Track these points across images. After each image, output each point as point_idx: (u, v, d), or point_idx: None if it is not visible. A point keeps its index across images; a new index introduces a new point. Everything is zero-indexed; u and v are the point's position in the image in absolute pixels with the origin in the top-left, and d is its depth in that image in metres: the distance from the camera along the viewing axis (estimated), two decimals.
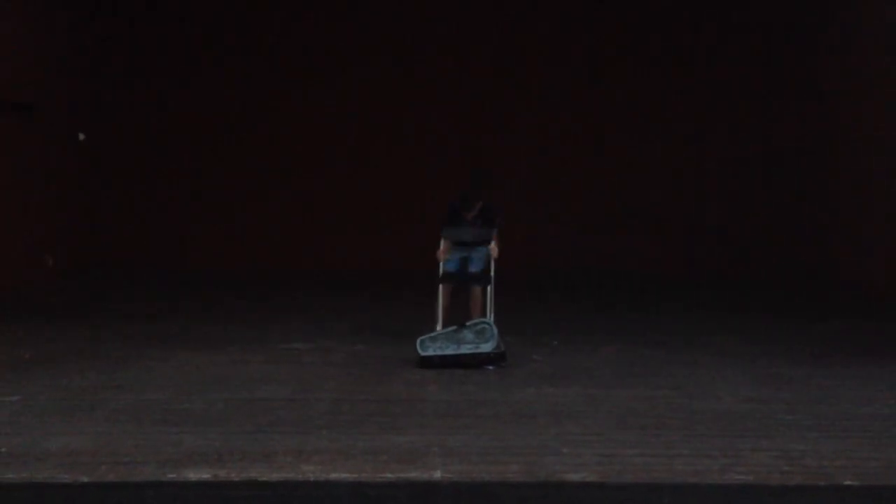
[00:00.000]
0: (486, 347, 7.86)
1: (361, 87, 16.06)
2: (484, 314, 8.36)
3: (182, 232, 15.95)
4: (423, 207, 13.74)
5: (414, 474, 5.02)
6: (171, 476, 4.98)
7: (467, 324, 8.09)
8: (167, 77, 16.05)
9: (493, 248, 8.53)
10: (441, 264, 8.62)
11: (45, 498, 4.85)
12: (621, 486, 4.93)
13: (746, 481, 4.99)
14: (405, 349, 8.23)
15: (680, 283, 14.44)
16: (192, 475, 5.00)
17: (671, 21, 16.03)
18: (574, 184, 16.00)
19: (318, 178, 16.02)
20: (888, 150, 12.58)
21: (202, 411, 6.33)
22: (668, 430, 5.91)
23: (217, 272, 14.87)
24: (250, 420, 6.09)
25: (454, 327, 8.03)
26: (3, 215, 12.59)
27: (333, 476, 4.99)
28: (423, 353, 7.84)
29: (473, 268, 8.74)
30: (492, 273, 8.47)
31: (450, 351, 7.85)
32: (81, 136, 14.99)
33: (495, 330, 7.93)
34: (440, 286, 8.51)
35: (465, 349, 7.86)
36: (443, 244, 8.69)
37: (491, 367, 7.80)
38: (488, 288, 8.44)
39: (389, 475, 5.01)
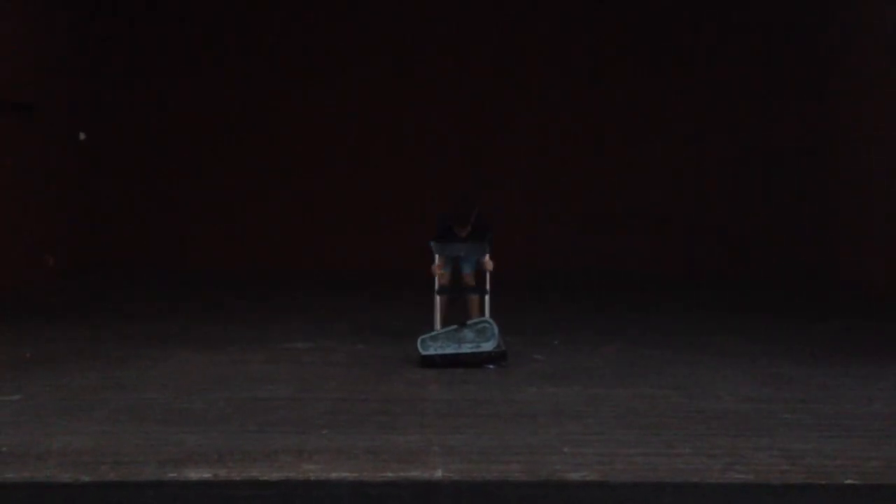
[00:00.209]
0: (487, 346, 7.86)
1: (361, 87, 16.06)
2: (483, 315, 8.34)
3: (182, 232, 15.95)
4: (423, 207, 13.71)
5: (415, 474, 5.02)
6: (172, 475, 4.98)
7: (468, 323, 8.08)
8: (167, 77, 16.05)
9: (488, 262, 8.36)
10: (436, 278, 8.51)
11: (46, 497, 4.84)
12: (622, 486, 4.92)
13: (747, 480, 4.99)
14: (406, 349, 8.24)
15: (680, 283, 14.44)
16: (193, 474, 4.99)
17: (671, 21, 16.03)
18: (574, 184, 15.99)
19: (318, 178, 16.02)
20: (888, 150, 12.58)
21: (203, 411, 6.33)
22: (668, 430, 5.90)
23: (217, 272, 14.88)
24: (251, 419, 6.09)
25: (455, 326, 8.01)
26: (3, 215, 12.60)
27: (334, 475, 4.99)
28: (423, 353, 7.83)
29: (467, 269, 8.71)
30: (487, 286, 8.39)
31: (450, 350, 7.84)
32: (82, 136, 15.01)
33: (496, 329, 7.91)
34: (436, 297, 8.44)
35: (466, 348, 7.85)
36: (437, 259, 8.51)
37: (492, 366, 7.79)
38: (485, 297, 8.39)
39: (390, 474, 5.01)
